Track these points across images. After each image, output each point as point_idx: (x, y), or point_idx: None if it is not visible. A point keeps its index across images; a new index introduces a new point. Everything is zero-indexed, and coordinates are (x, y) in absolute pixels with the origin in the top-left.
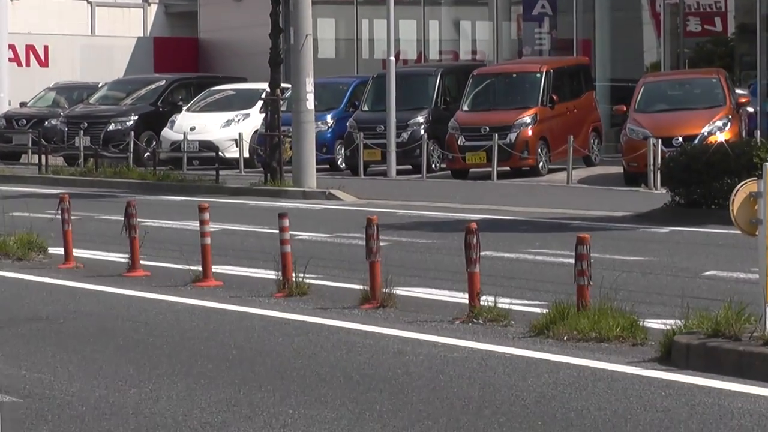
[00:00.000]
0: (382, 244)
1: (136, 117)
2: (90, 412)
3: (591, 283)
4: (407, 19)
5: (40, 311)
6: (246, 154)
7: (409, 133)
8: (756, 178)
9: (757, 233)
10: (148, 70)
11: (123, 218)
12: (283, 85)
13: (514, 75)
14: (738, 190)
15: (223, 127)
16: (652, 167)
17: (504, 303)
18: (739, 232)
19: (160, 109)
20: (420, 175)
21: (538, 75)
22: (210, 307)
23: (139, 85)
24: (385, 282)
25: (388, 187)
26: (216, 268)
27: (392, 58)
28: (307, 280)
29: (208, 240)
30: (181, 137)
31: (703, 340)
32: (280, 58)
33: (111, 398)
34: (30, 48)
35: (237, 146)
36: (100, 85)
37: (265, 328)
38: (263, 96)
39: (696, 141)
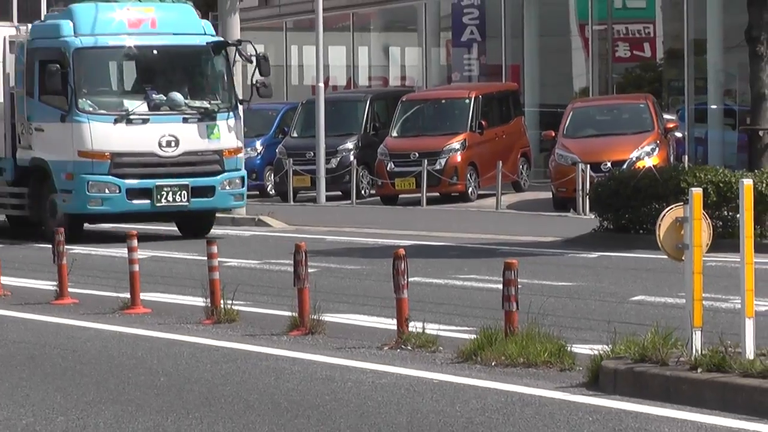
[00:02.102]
0: (311, 270)
1: None
2: None
3: (519, 308)
4: (337, 45)
5: None
6: None
7: (338, 159)
8: (682, 203)
9: (683, 258)
10: None
11: (51, 245)
12: None
13: (443, 101)
14: (664, 215)
15: None
16: (580, 192)
17: (433, 329)
18: (666, 256)
19: None
20: (349, 201)
21: (467, 101)
22: (138, 334)
23: None
24: (313, 308)
25: (317, 213)
26: (144, 296)
27: (321, 84)
28: (236, 307)
29: (136, 267)
30: None
31: (631, 365)
32: None
33: (38, 426)
34: None
35: None
36: None
37: (193, 355)
38: None
39: (624, 166)
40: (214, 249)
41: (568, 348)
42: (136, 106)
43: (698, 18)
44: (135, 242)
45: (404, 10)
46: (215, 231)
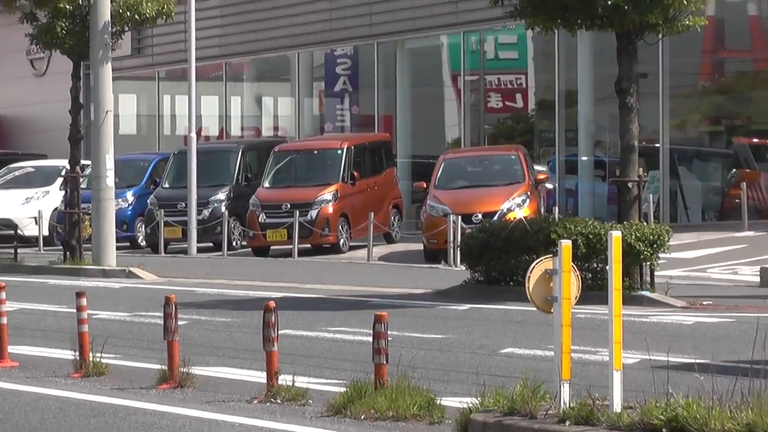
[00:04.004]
0: (181, 322)
1: None
2: None
3: (389, 361)
4: (209, 95)
5: None
6: (45, 232)
7: (210, 210)
8: (552, 255)
9: (552, 310)
10: None
11: None
12: (83, 161)
13: (315, 151)
14: (534, 267)
15: (23, 205)
16: (451, 244)
17: (302, 382)
18: (535, 309)
19: None
20: (221, 253)
21: (339, 151)
22: (4, 388)
23: None
24: (183, 361)
25: (188, 264)
26: (12, 349)
27: (194, 135)
28: (105, 360)
29: (4, 320)
30: None
31: (499, 418)
32: (81, 135)
33: None
34: None
35: (36, 224)
36: None
37: (61, 409)
38: (63, 173)
39: (495, 217)
40: (83, 301)
41: (438, 401)
42: None
43: (569, 69)
44: (3, 294)
45: (277, 60)
46: (85, 283)
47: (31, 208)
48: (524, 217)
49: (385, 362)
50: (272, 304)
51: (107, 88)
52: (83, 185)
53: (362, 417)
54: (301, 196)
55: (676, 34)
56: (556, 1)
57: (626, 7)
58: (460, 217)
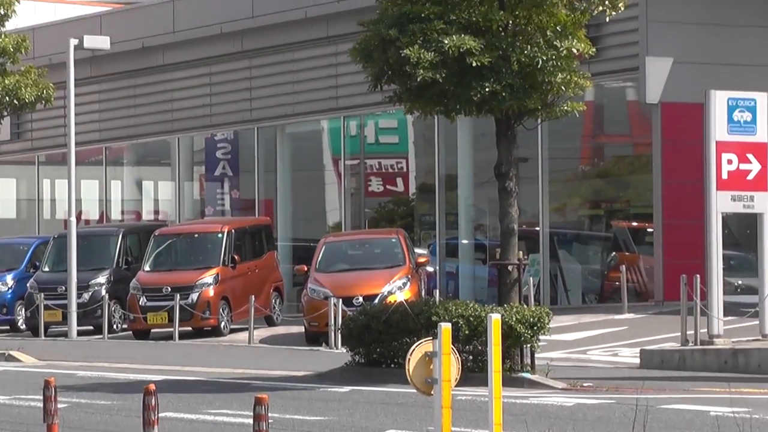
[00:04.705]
0: (61, 405)
1: None
2: None
3: None
4: (89, 179)
5: None
6: None
7: (90, 293)
8: (432, 338)
9: (432, 392)
10: None
11: None
12: None
13: (196, 235)
14: (414, 349)
15: None
16: (332, 327)
17: None
18: (416, 391)
19: None
20: (101, 336)
21: (220, 235)
22: None
23: None
24: None
25: (68, 348)
26: None
27: (73, 219)
28: None
29: None
30: None
31: None
32: None
33: None
34: None
35: None
36: None
37: None
38: None
39: (376, 300)
40: None
41: None
42: None
43: (450, 153)
44: None
45: (157, 145)
46: None
47: None
48: (405, 300)
49: None
50: (152, 386)
51: None
52: None
53: None
54: (182, 279)
55: (555, 119)
56: (434, 87)
57: (504, 94)
58: (341, 300)
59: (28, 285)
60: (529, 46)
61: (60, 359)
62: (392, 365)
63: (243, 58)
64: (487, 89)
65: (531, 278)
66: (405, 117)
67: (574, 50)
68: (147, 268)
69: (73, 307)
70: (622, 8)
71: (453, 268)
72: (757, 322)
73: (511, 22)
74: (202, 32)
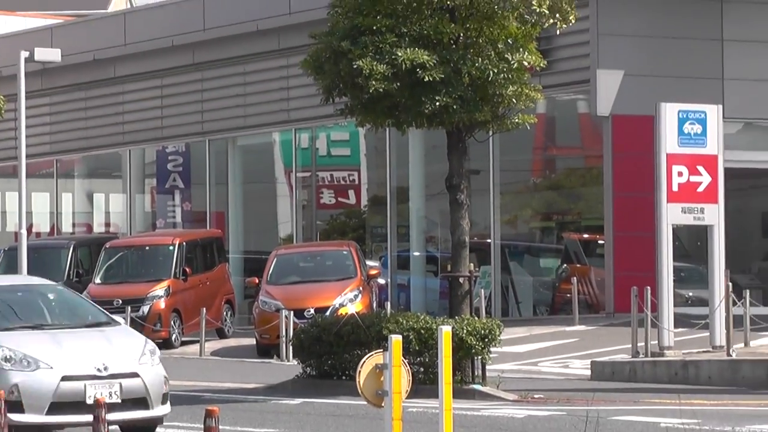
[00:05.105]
0: None
1: None
2: None
3: None
4: (40, 192)
5: None
6: None
7: None
8: (382, 350)
9: (383, 404)
10: None
11: None
12: None
13: (147, 247)
14: (365, 361)
15: None
16: (284, 339)
17: None
18: (366, 403)
19: None
20: None
21: (171, 247)
22: None
23: None
24: None
25: None
26: None
27: (24, 231)
28: None
29: None
30: None
31: None
32: None
33: None
34: None
35: None
36: None
37: None
38: None
39: (327, 313)
40: None
41: None
42: None
43: (401, 166)
44: None
45: (108, 157)
46: None
47: None
48: (356, 312)
49: None
50: (102, 399)
51: None
52: None
53: None
54: (133, 291)
55: (507, 132)
56: (386, 99)
57: (454, 107)
58: (292, 312)
59: None
60: (480, 59)
61: None
62: (343, 377)
63: (194, 70)
64: (438, 102)
65: (482, 290)
66: (357, 129)
67: (526, 63)
68: (98, 280)
69: None
70: (573, 21)
71: (404, 280)
72: (707, 334)
73: (462, 34)
74: (154, 45)
